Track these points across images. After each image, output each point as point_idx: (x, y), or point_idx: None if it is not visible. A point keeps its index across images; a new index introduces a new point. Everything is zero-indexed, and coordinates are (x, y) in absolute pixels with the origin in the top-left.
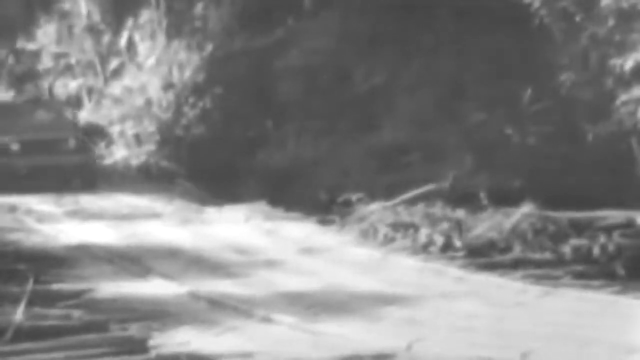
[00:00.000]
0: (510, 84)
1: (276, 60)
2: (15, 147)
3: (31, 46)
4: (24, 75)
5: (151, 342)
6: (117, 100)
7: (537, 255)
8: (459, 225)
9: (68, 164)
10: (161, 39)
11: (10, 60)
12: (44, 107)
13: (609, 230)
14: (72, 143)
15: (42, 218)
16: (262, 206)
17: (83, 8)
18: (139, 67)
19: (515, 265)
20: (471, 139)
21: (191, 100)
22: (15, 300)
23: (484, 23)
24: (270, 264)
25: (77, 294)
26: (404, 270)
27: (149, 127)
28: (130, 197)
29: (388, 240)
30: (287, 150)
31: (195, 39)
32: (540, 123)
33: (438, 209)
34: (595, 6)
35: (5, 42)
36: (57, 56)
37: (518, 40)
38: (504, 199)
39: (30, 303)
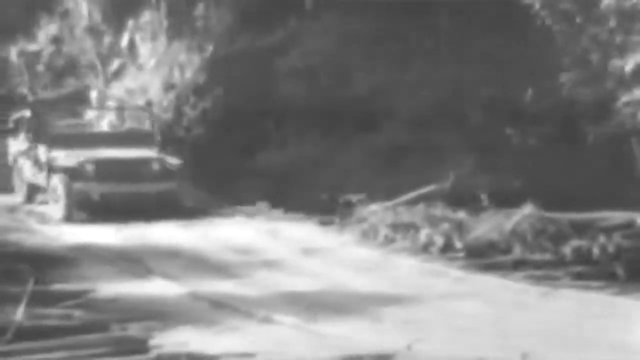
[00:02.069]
0: (511, 84)
1: (277, 60)
2: (89, 167)
3: (34, 47)
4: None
5: (152, 342)
6: (118, 101)
7: (537, 256)
8: (459, 226)
9: (149, 193)
10: (162, 39)
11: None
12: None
13: (609, 231)
14: (155, 166)
15: (42, 218)
16: (262, 207)
17: (84, 9)
18: (140, 67)
19: (516, 266)
20: (471, 139)
21: (192, 100)
22: (15, 300)
23: (485, 24)
24: (271, 264)
25: (77, 294)
26: (404, 270)
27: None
28: None
29: (388, 241)
30: (287, 150)
31: (196, 40)
32: (541, 124)
33: (438, 209)
34: (596, 7)
35: (5, 42)
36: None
37: (518, 41)
38: (505, 200)
39: (31, 303)
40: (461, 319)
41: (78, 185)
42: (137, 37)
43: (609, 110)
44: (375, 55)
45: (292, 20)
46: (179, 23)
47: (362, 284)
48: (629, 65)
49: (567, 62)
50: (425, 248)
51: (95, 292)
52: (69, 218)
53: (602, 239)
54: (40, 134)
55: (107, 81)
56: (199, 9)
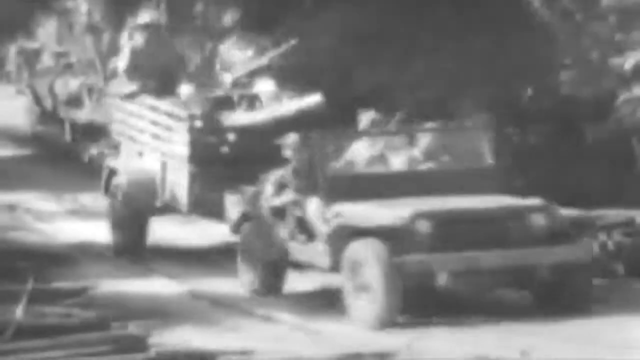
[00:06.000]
0: (510, 83)
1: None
2: (423, 227)
3: (33, 45)
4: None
5: (151, 340)
6: None
7: None
8: None
9: (536, 268)
10: None
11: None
12: None
13: (609, 229)
14: (539, 220)
15: (41, 216)
16: None
17: (83, 6)
18: None
19: None
20: None
21: None
22: (15, 299)
23: (485, 22)
24: None
25: (77, 292)
26: None
27: None
28: None
29: None
30: None
31: (196, 38)
32: (540, 122)
33: None
34: (597, 5)
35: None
36: (58, 55)
37: (518, 40)
38: None
39: (31, 301)
40: (461, 316)
41: (408, 260)
42: (137, 35)
43: (609, 108)
44: (375, 54)
45: (292, 18)
46: (179, 21)
47: None
48: (628, 64)
49: (567, 60)
50: None
51: (95, 290)
52: (389, 320)
53: (602, 237)
54: (313, 179)
55: (106, 79)
56: (199, 7)
